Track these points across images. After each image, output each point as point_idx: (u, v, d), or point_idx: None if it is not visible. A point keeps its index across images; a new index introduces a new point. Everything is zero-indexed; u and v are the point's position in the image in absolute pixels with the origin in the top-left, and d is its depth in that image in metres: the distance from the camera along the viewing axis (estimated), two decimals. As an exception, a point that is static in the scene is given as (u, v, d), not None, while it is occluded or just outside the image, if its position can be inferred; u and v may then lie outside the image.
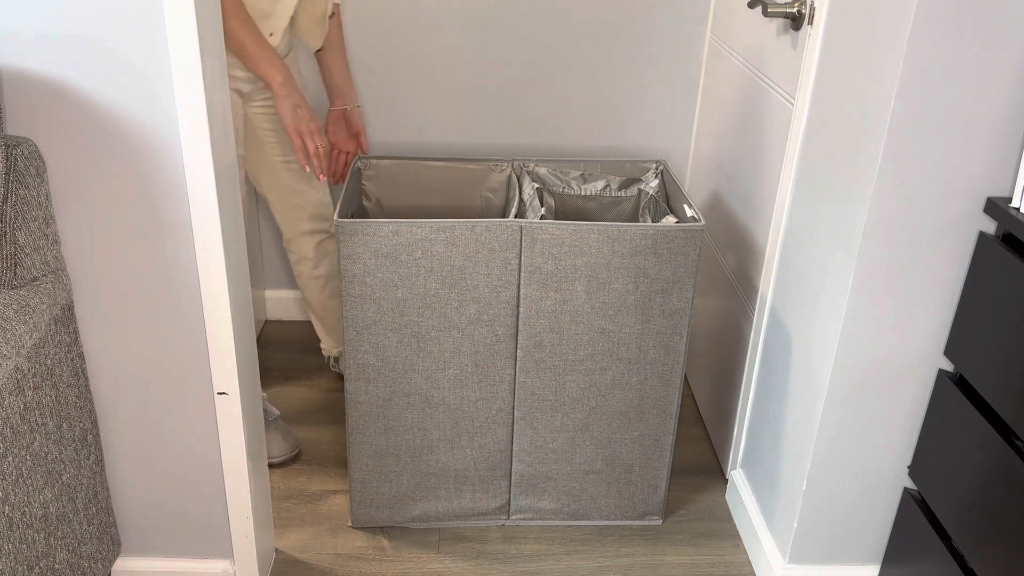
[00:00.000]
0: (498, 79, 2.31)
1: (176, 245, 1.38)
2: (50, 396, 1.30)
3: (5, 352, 1.17)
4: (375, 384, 1.71)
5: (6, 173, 1.21)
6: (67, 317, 1.36)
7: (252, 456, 1.58)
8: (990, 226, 1.37)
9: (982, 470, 1.35)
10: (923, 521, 1.51)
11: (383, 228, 1.57)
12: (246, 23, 1.72)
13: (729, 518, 1.95)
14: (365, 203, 1.95)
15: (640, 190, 1.91)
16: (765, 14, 1.67)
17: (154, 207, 1.36)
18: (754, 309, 1.85)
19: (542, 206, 1.72)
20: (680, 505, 1.98)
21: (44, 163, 1.28)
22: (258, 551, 1.65)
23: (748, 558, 1.84)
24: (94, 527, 1.47)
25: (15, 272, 1.26)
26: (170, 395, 1.49)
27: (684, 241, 1.61)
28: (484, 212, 1.96)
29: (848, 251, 1.43)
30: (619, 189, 1.92)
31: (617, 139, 2.40)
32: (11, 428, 1.19)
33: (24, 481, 1.23)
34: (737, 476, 1.94)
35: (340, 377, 2.38)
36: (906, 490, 1.59)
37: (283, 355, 2.48)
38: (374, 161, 1.92)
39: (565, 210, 1.92)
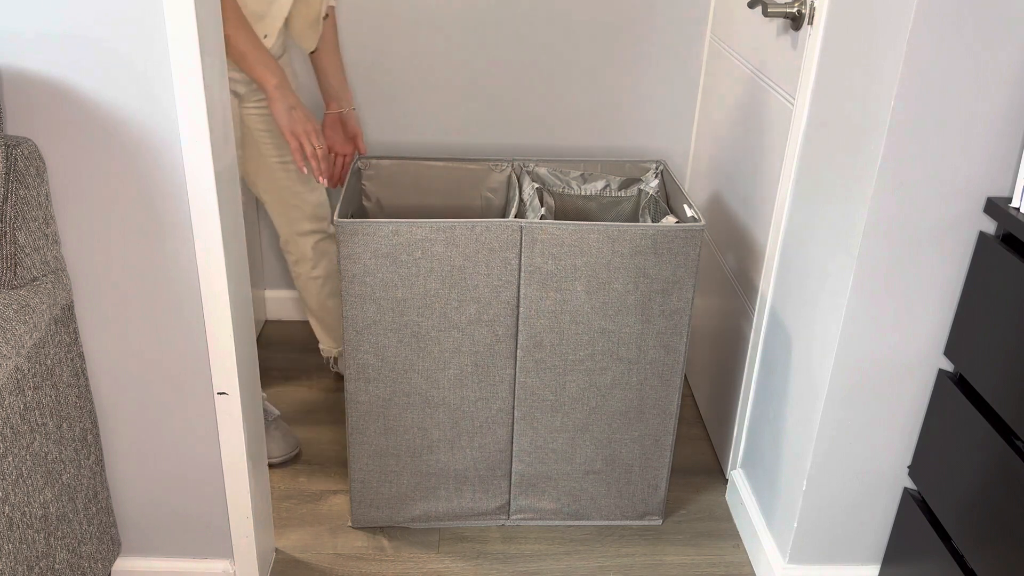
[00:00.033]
0: (498, 79, 2.31)
1: (176, 245, 1.38)
2: (50, 396, 1.30)
3: (5, 352, 1.17)
4: (375, 384, 1.71)
5: (6, 173, 1.21)
6: (67, 317, 1.36)
7: (252, 456, 1.59)
8: (990, 226, 1.37)
9: (982, 470, 1.35)
10: (923, 521, 1.51)
11: (383, 228, 1.57)
12: (241, 25, 1.72)
13: (729, 518, 1.95)
14: (365, 203, 1.95)
15: (640, 190, 1.91)
16: (765, 14, 1.67)
17: (154, 207, 1.36)
18: (754, 309, 1.85)
19: (542, 206, 1.72)
20: (680, 505, 1.98)
21: (44, 163, 1.28)
22: (258, 551, 1.65)
23: (748, 558, 1.84)
24: (94, 527, 1.47)
25: (15, 272, 1.26)
26: (170, 395, 1.49)
27: (684, 241, 1.61)
28: (484, 212, 1.96)
29: (848, 251, 1.43)
30: (619, 189, 1.92)
31: (617, 139, 2.40)
32: (11, 428, 1.19)
33: (24, 481, 1.23)
34: (737, 476, 1.94)
35: (340, 377, 2.38)
36: (906, 490, 1.59)
37: (283, 355, 2.48)
38: (374, 161, 1.92)
39: (565, 210, 1.92)
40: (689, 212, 1.70)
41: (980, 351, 1.36)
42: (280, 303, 2.64)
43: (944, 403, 1.46)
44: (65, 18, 1.23)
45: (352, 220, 1.57)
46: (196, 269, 1.40)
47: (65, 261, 1.38)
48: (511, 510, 1.88)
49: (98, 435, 1.48)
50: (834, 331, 1.48)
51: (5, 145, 1.21)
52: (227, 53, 1.75)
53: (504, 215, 1.93)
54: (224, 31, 1.68)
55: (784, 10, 1.65)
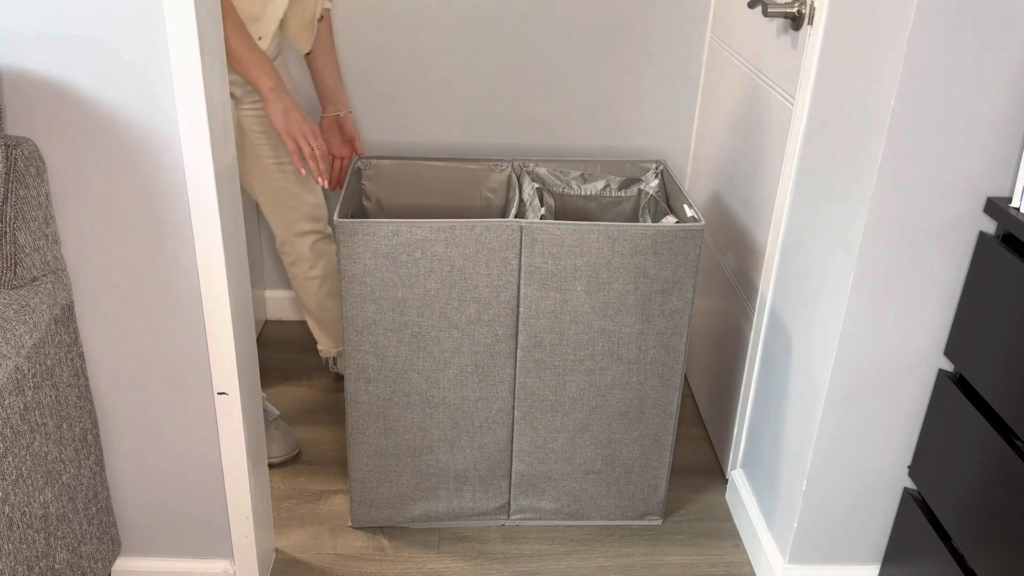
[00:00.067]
0: (498, 79, 2.31)
1: (176, 245, 1.38)
2: (50, 396, 1.30)
3: (5, 352, 1.17)
4: (375, 384, 1.71)
5: (6, 173, 1.21)
6: (67, 317, 1.36)
7: (252, 456, 1.59)
8: (990, 226, 1.37)
9: (982, 470, 1.35)
10: (923, 521, 1.51)
11: (383, 228, 1.57)
12: (236, 27, 1.71)
13: (729, 518, 1.95)
14: (365, 203, 1.95)
15: (640, 190, 1.91)
16: (765, 14, 1.67)
17: (154, 207, 1.36)
18: (754, 309, 1.85)
19: (542, 206, 1.72)
20: (680, 505, 1.98)
21: (44, 163, 1.28)
22: (258, 551, 1.65)
23: (748, 558, 1.84)
24: (94, 527, 1.47)
25: (15, 272, 1.26)
26: (170, 395, 1.49)
27: (684, 241, 1.61)
28: (484, 212, 1.96)
29: (848, 251, 1.43)
30: (619, 189, 1.92)
31: (617, 139, 2.40)
32: (11, 428, 1.19)
33: (24, 481, 1.23)
34: (737, 476, 1.94)
35: (339, 377, 2.38)
36: (906, 490, 1.59)
37: (283, 355, 2.48)
38: (374, 161, 1.92)
39: (565, 210, 1.92)
40: (689, 212, 1.70)
41: (980, 351, 1.36)
42: (280, 303, 2.64)
43: (944, 403, 1.46)
44: (65, 18, 1.23)
45: (352, 220, 1.57)
46: (196, 269, 1.40)
47: (65, 261, 1.38)
48: (511, 510, 1.88)
49: (98, 435, 1.48)
50: (834, 331, 1.48)
51: (5, 145, 1.21)
52: None
53: (504, 215, 1.93)
54: None
55: (784, 10, 1.65)
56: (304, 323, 2.62)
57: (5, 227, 1.22)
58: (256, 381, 1.61)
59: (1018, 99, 1.29)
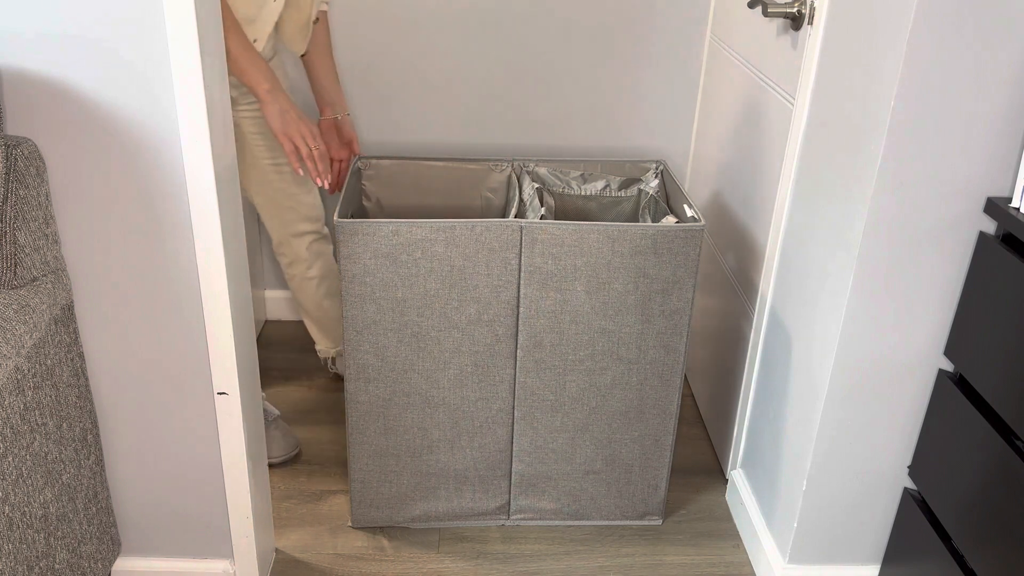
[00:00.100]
0: (498, 79, 2.31)
1: (176, 245, 1.38)
2: (50, 396, 1.30)
3: (5, 352, 1.17)
4: (375, 384, 1.71)
5: (6, 173, 1.21)
6: (67, 317, 1.36)
7: (252, 456, 1.59)
8: (990, 226, 1.37)
9: (982, 470, 1.35)
10: (923, 521, 1.51)
11: (383, 228, 1.57)
12: (232, 29, 1.70)
13: (729, 518, 1.95)
14: (365, 203, 1.95)
15: (640, 190, 1.91)
16: (765, 14, 1.67)
17: (154, 207, 1.36)
18: (754, 309, 1.85)
19: (542, 206, 1.72)
20: (680, 505, 1.98)
21: (44, 163, 1.28)
22: (258, 551, 1.65)
23: (748, 558, 1.84)
24: (94, 527, 1.47)
25: (15, 272, 1.26)
26: (170, 395, 1.49)
27: (684, 241, 1.61)
28: (484, 212, 1.96)
29: (848, 251, 1.43)
30: (619, 189, 1.92)
31: (617, 139, 2.40)
32: (11, 428, 1.19)
33: (24, 481, 1.23)
34: (737, 476, 1.94)
35: (338, 377, 2.38)
36: (906, 490, 1.59)
37: (283, 355, 2.48)
38: (374, 161, 1.92)
39: (565, 210, 1.92)
40: (689, 212, 1.70)
41: (980, 351, 1.36)
42: (280, 303, 2.64)
43: (944, 403, 1.46)
44: (65, 18, 1.23)
45: (352, 220, 1.57)
46: (196, 269, 1.40)
47: (65, 261, 1.38)
48: (511, 510, 1.88)
49: (98, 435, 1.48)
50: (834, 331, 1.48)
51: (5, 145, 1.21)
52: None
53: (504, 215, 1.93)
54: None
55: (784, 10, 1.65)
56: (304, 323, 2.61)
57: (5, 227, 1.22)
58: (256, 381, 1.61)
59: (1018, 99, 1.29)
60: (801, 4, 1.62)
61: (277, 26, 1.89)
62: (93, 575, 1.47)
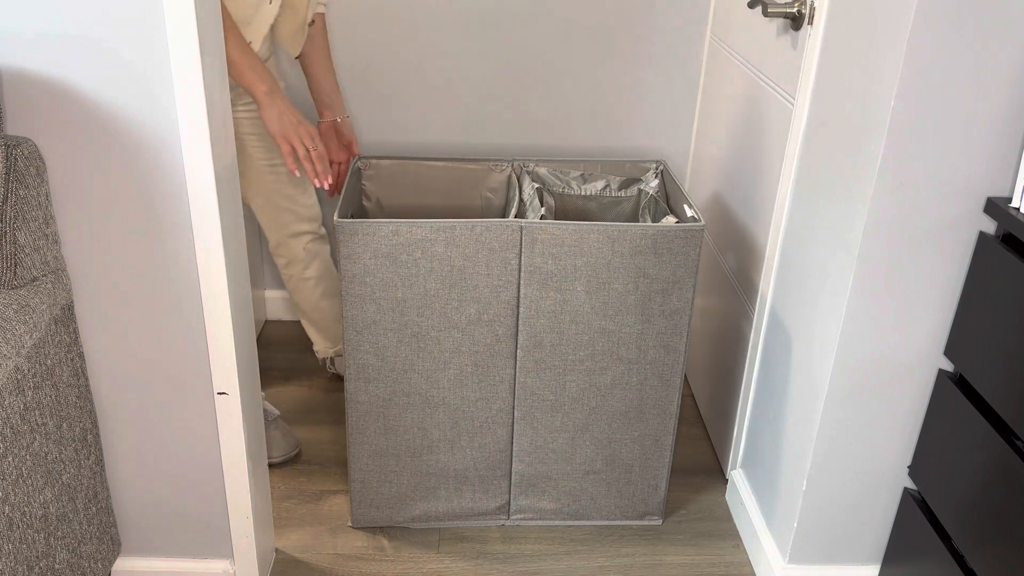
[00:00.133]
0: (498, 79, 2.31)
1: (176, 245, 1.38)
2: (50, 396, 1.30)
3: (5, 352, 1.17)
4: (375, 384, 1.71)
5: (6, 173, 1.21)
6: (67, 317, 1.36)
7: (252, 456, 1.59)
8: (990, 226, 1.37)
9: (982, 470, 1.35)
10: (923, 521, 1.51)
11: (383, 228, 1.57)
12: (230, 31, 1.69)
13: (729, 518, 1.95)
14: (365, 203, 1.95)
15: (640, 190, 1.91)
16: (765, 14, 1.67)
17: (154, 207, 1.36)
18: (754, 309, 1.85)
19: (542, 206, 1.72)
20: (680, 505, 1.98)
21: (44, 163, 1.29)
22: (258, 551, 1.65)
23: (748, 558, 1.84)
24: (94, 527, 1.47)
25: (15, 272, 1.26)
26: (170, 395, 1.49)
27: (684, 241, 1.61)
28: (484, 212, 1.96)
29: (848, 251, 1.43)
30: (619, 189, 1.92)
31: (617, 139, 2.40)
32: (11, 428, 1.19)
33: (24, 481, 1.23)
34: (737, 476, 1.94)
35: (337, 378, 2.38)
36: (906, 490, 1.59)
37: (283, 355, 2.48)
38: (374, 161, 1.92)
39: (565, 210, 1.92)
40: (689, 212, 1.70)
41: (980, 351, 1.36)
42: (280, 303, 2.64)
43: (944, 403, 1.46)
44: (65, 18, 1.23)
45: (352, 220, 1.57)
46: (196, 269, 1.40)
47: (65, 261, 1.38)
48: (511, 510, 1.88)
49: (98, 435, 1.48)
50: (834, 331, 1.48)
51: (5, 145, 1.21)
52: None
53: (504, 215, 1.93)
54: None
55: (784, 10, 1.65)
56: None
57: (5, 227, 1.22)
58: (256, 381, 1.61)
59: (1018, 99, 1.29)
60: (801, 4, 1.62)
61: (273, 28, 1.89)
62: (93, 575, 1.47)
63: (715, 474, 2.08)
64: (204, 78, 1.27)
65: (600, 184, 1.91)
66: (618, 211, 1.93)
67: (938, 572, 1.46)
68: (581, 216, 1.93)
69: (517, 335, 1.68)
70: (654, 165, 1.93)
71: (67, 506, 1.37)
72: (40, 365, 1.27)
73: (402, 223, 1.57)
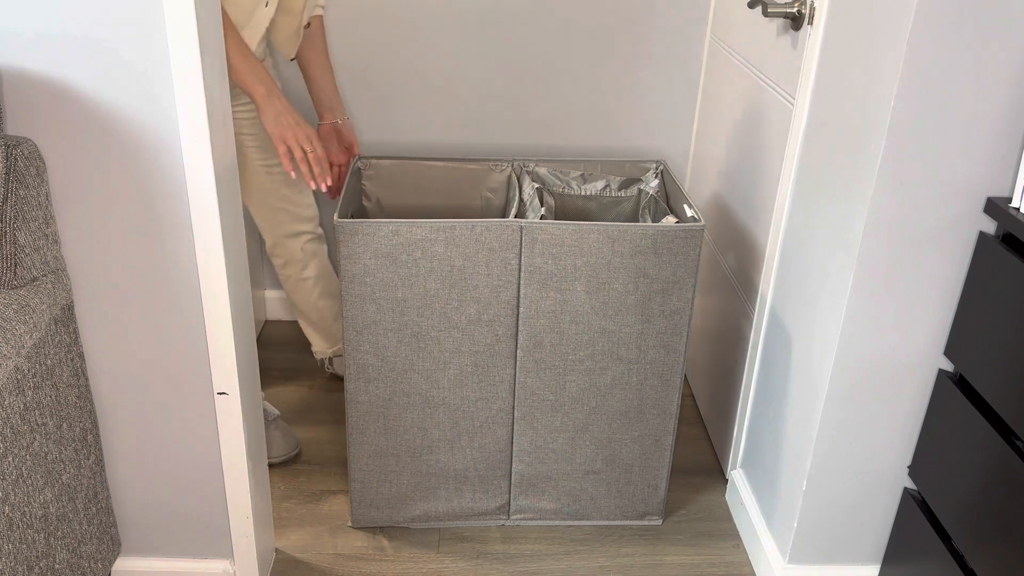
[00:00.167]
0: (498, 79, 2.31)
1: (176, 245, 1.38)
2: (50, 396, 1.30)
3: (5, 352, 1.17)
4: (375, 384, 1.71)
5: (6, 173, 1.21)
6: (67, 317, 1.36)
7: (252, 456, 1.59)
8: (990, 226, 1.37)
9: (982, 470, 1.35)
10: (923, 521, 1.51)
11: (383, 228, 1.57)
12: (229, 32, 1.68)
13: (729, 518, 1.95)
14: (365, 203, 1.95)
15: (640, 190, 1.91)
16: (765, 14, 1.67)
17: (154, 207, 1.36)
18: (754, 309, 1.85)
19: (542, 206, 1.72)
20: (680, 505, 1.98)
21: (44, 163, 1.29)
22: (258, 551, 1.65)
23: (748, 558, 1.84)
24: (94, 527, 1.47)
25: (15, 272, 1.26)
26: (170, 395, 1.49)
27: (684, 241, 1.61)
28: (484, 212, 1.96)
29: (848, 251, 1.43)
30: (619, 189, 1.92)
31: (617, 139, 2.40)
32: (11, 428, 1.19)
33: (24, 481, 1.23)
34: (737, 476, 1.94)
35: (335, 378, 2.38)
36: (906, 490, 1.59)
37: (283, 355, 2.48)
38: (374, 161, 1.92)
39: (565, 210, 1.92)
40: (689, 212, 1.70)
41: (980, 351, 1.36)
42: (280, 303, 2.64)
43: (944, 403, 1.46)
44: (65, 18, 1.23)
45: (352, 220, 1.57)
46: (196, 269, 1.40)
47: (65, 261, 1.38)
48: (511, 510, 1.88)
49: (98, 435, 1.48)
50: (834, 331, 1.48)
51: (5, 145, 1.21)
52: None
53: (504, 215, 1.93)
54: None
55: (784, 10, 1.65)
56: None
57: (5, 227, 1.22)
58: (256, 381, 1.61)
59: (1018, 99, 1.29)
60: (801, 4, 1.62)
61: (268, 31, 1.88)
62: (93, 575, 1.47)
63: (715, 474, 2.08)
64: (204, 78, 1.27)
65: (600, 184, 1.91)
66: (618, 211, 1.93)
67: (938, 572, 1.46)
68: (581, 216, 1.93)
69: (517, 335, 1.68)
70: (654, 165, 1.93)
71: (67, 506, 1.37)
72: (40, 365, 1.27)
73: (402, 223, 1.57)
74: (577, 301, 1.65)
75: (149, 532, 1.62)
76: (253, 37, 1.79)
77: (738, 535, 1.90)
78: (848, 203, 1.43)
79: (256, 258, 2.51)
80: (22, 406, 1.22)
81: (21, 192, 1.23)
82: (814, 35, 1.56)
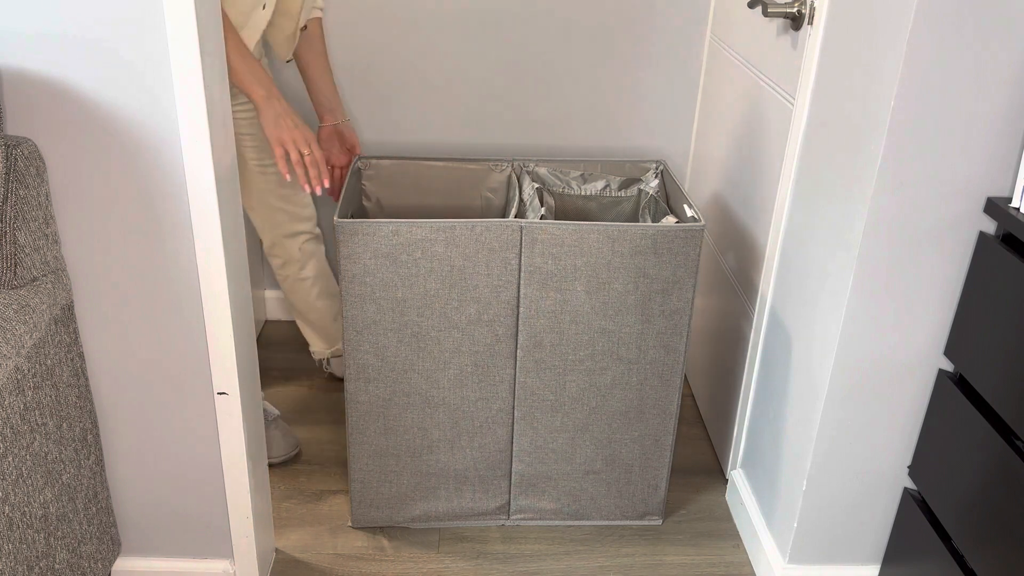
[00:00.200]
0: (498, 79, 2.31)
1: (176, 245, 1.38)
2: (50, 396, 1.30)
3: (5, 352, 1.17)
4: (375, 384, 1.71)
5: (6, 173, 1.21)
6: (67, 317, 1.36)
7: (252, 456, 1.59)
8: (990, 226, 1.37)
9: (982, 470, 1.35)
10: (923, 521, 1.51)
11: (383, 228, 1.57)
12: (229, 34, 1.68)
13: (729, 518, 1.95)
14: (365, 203, 1.95)
15: (640, 190, 1.91)
16: (765, 14, 1.67)
17: (154, 207, 1.36)
18: (754, 309, 1.85)
19: (542, 206, 1.72)
20: (680, 505, 1.98)
21: (44, 163, 1.29)
22: (258, 551, 1.65)
23: (748, 558, 1.84)
24: (94, 527, 1.47)
25: (15, 272, 1.26)
26: (170, 395, 1.49)
27: (684, 241, 1.61)
28: (484, 212, 1.96)
29: (848, 251, 1.43)
30: (619, 189, 1.92)
31: (617, 139, 2.40)
32: (11, 428, 1.19)
33: (24, 481, 1.23)
34: (737, 476, 1.94)
35: (333, 378, 2.37)
36: (906, 490, 1.59)
37: (283, 355, 2.48)
38: (374, 161, 1.92)
39: (565, 210, 1.92)
40: (689, 212, 1.70)
41: (980, 351, 1.36)
42: (280, 303, 2.64)
43: (944, 403, 1.46)
44: (65, 18, 1.23)
45: (352, 220, 1.57)
46: (196, 269, 1.40)
47: (65, 261, 1.38)
48: (511, 510, 1.88)
49: (98, 435, 1.48)
50: (834, 331, 1.48)
51: (5, 145, 1.21)
52: None
53: (504, 215, 1.93)
54: None
55: (784, 10, 1.65)
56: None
57: (5, 227, 1.22)
58: (256, 381, 1.61)
59: (1018, 99, 1.29)
60: (801, 4, 1.62)
61: (265, 33, 1.88)
62: (93, 575, 1.47)
63: (715, 474, 2.08)
64: (204, 78, 1.27)
65: (600, 184, 1.91)
66: (618, 211, 1.93)
67: (938, 572, 1.46)
68: (581, 216, 1.93)
69: (517, 335, 1.68)
70: (654, 165, 1.93)
71: (67, 506, 1.37)
72: (40, 365, 1.27)
73: (402, 223, 1.57)
74: (577, 301, 1.65)
75: (149, 532, 1.62)
76: (250, 39, 1.79)
77: (738, 535, 1.90)
78: (848, 203, 1.43)
79: (256, 258, 2.51)
80: (22, 406, 1.22)
81: (21, 192, 1.23)
82: (814, 35, 1.56)
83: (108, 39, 1.25)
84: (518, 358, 1.70)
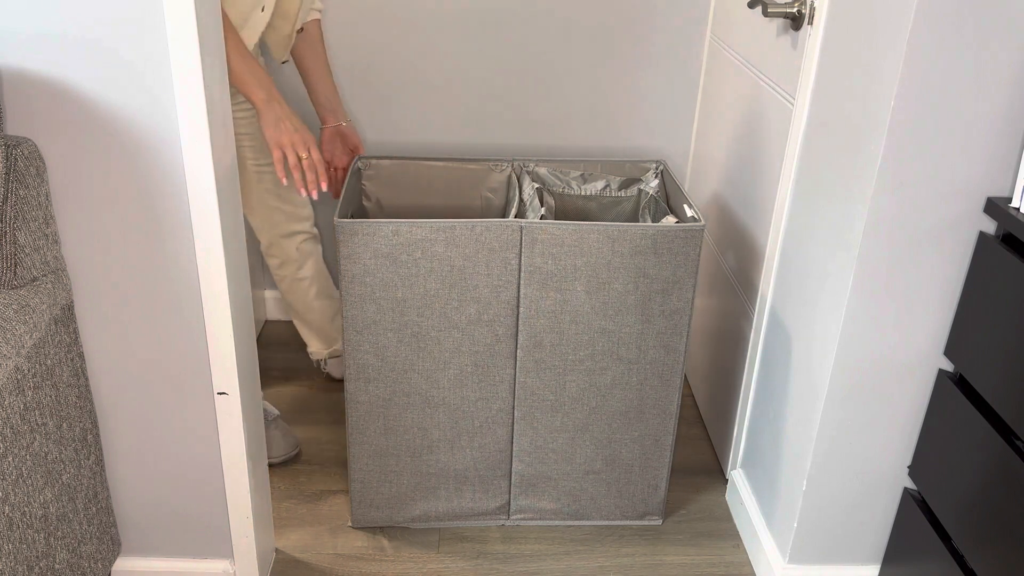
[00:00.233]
0: (498, 79, 2.31)
1: (176, 245, 1.38)
2: (50, 396, 1.30)
3: (5, 352, 1.17)
4: (375, 384, 1.71)
5: (6, 173, 1.21)
6: (67, 317, 1.36)
7: (252, 456, 1.59)
8: (990, 226, 1.37)
9: (982, 470, 1.35)
10: (923, 521, 1.51)
11: (383, 228, 1.57)
12: (229, 35, 1.67)
13: (729, 518, 1.95)
14: (365, 203, 1.95)
15: (640, 190, 1.91)
16: (765, 14, 1.67)
17: (154, 207, 1.36)
18: (754, 309, 1.85)
19: (542, 206, 1.72)
20: (680, 505, 1.98)
21: (44, 163, 1.29)
22: (258, 551, 1.65)
23: (748, 558, 1.84)
24: (94, 527, 1.47)
25: (15, 272, 1.26)
26: (170, 395, 1.49)
27: (684, 241, 1.61)
28: (484, 212, 1.96)
29: (848, 251, 1.43)
30: (619, 189, 1.92)
31: (617, 139, 2.40)
32: (11, 428, 1.19)
33: (24, 481, 1.23)
34: (737, 476, 1.94)
35: (331, 379, 2.37)
36: (906, 490, 1.59)
37: (283, 355, 2.48)
38: (374, 161, 1.92)
39: (565, 210, 1.92)
40: (689, 212, 1.70)
41: (980, 351, 1.36)
42: (280, 303, 2.64)
43: (944, 403, 1.46)
44: (65, 18, 1.23)
45: (352, 220, 1.57)
46: (196, 269, 1.40)
47: (65, 261, 1.38)
48: (511, 510, 1.88)
49: (98, 435, 1.48)
50: (834, 331, 1.48)
51: (5, 145, 1.21)
52: None
53: (504, 215, 1.93)
54: None
55: (784, 10, 1.65)
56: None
57: (5, 227, 1.22)
58: (256, 381, 1.61)
59: (1018, 99, 1.29)
60: (801, 4, 1.62)
61: (262, 35, 1.88)
62: (93, 575, 1.47)
63: (715, 474, 2.08)
64: (204, 78, 1.27)
65: (600, 184, 1.91)
66: (618, 211, 1.93)
67: (938, 572, 1.46)
68: (581, 216, 1.93)
69: (517, 335, 1.68)
70: (654, 165, 1.93)
71: (67, 506, 1.37)
72: (40, 365, 1.27)
73: (402, 223, 1.57)
74: (577, 301, 1.65)
75: (149, 532, 1.62)
76: (249, 41, 1.79)
77: (738, 535, 1.90)
78: (848, 203, 1.43)
79: (256, 258, 2.51)
80: (22, 406, 1.22)
81: (21, 192, 1.23)
82: (814, 35, 1.56)
83: (108, 39, 1.25)
84: (518, 358, 1.70)
